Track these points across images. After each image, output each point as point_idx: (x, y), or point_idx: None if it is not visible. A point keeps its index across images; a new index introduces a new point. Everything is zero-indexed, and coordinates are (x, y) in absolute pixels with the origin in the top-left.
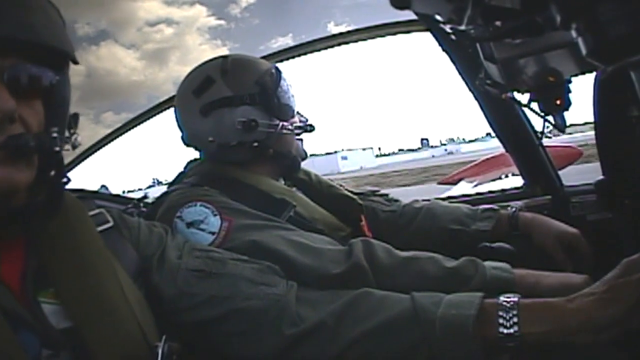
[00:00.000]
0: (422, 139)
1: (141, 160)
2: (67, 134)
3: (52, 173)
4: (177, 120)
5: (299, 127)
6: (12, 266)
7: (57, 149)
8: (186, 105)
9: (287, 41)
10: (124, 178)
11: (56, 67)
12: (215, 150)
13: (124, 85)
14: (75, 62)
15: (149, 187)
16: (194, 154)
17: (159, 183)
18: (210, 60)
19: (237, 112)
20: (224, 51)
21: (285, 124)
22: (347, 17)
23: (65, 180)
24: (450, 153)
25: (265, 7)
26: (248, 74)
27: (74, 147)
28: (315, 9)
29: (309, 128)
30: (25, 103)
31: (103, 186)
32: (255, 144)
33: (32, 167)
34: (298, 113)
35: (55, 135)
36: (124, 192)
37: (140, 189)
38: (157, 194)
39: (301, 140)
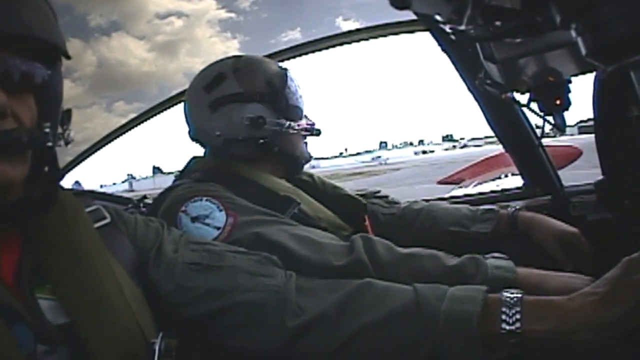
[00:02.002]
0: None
1: (115, 155)
2: (60, 129)
3: (46, 169)
4: (185, 115)
5: (306, 130)
6: (6, 261)
7: (50, 144)
8: (196, 100)
9: (296, 35)
10: (98, 173)
11: (48, 61)
12: (221, 145)
13: (135, 76)
14: (68, 57)
15: (124, 181)
16: (171, 150)
17: (133, 178)
18: (223, 59)
19: (246, 109)
20: (234, 44)
21: (292, 124)
22: (354, 12)
23: (58, 175)
24: (313, 167)
25: (273, 1)
26: (259, 73)
27: (67, 143)
28: (322, 4)
29: (315, 132)
30: (17, 98)
31: (76, 182)
32: (261, 141)
33: (26, 162)
34: (305, 116)
35: (47, 130)
36: (101, 186)
37: (115, 184)
38: (134, 188)
39: (306, 143)
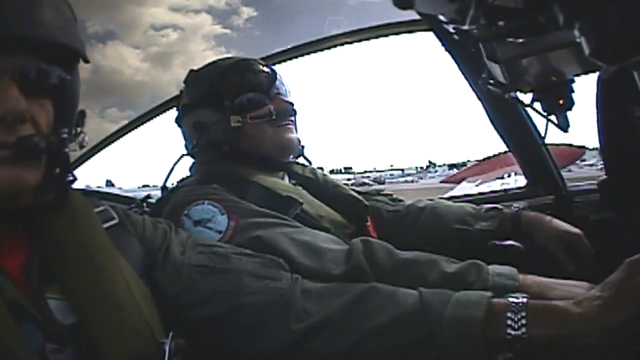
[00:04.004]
0: None
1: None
2: (74, 131)
3: (58, 171)
4: None
5: (268, 115)
6: (14, 258)
7: (67, 150)
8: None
9: None
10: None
11: (67, 65)
12: (192, 153)
13: (128, 84)
14: (86, 61)
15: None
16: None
17: (112, 185)
18: None
19: (191, 117)
20: None
21: (238, 117)
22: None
23: (71, 178)
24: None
25: (266, 20)
26: (200, 79)
27: (82, 146)
28: (312, 24)
29: (291, 113)
30: (35, 102)
31: None
32: (209, 143)
33: (41, 167)
34: (289, 103)
35: (65, 136)
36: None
37: (99, 187)
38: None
39: (289, 129)
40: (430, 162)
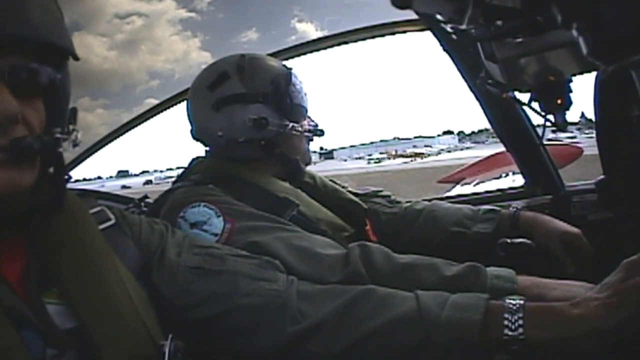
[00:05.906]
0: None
1: None
2: (66, 129)
3: (52, 170)
4: (188, 114)
5: (309, 131)
6: (13, 265)
7: (61, 149)
8: (199, 98)
9: (253, 35)
10: None
11: (56, 63)
12: (223, 145)
13: (97, 73)
14: (76, 58)
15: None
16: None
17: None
18: (227, 57)
19: (249, 110)
20: (195, 42)
21: (295, 125)
22: (307, 14)
23: (66, 177)
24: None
25: (228, 3)
26: (263, 73)
27: (75, 145)
28: (274, 7)
29: (319, 132)
30: (26, 102)
31: None
32: (263, 143)
33: (35, 168)
34: (308, 117)
35: (58, 136)
36: None
37: None
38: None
39: (309, 144)
40: (321, 147)
